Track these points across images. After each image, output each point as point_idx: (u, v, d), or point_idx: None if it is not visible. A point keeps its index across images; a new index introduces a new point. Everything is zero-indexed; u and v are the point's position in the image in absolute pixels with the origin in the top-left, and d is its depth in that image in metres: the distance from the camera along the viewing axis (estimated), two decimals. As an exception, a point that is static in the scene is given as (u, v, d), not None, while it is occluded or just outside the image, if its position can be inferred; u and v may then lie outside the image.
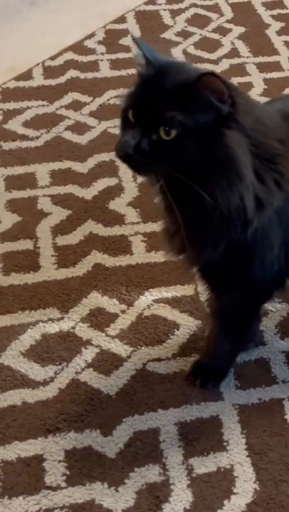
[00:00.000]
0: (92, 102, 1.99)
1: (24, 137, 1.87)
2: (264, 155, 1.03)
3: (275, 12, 2.38)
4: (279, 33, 2.28)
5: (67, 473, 1.19)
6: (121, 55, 2.17)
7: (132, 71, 2.10)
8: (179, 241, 1.12)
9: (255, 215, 1.04)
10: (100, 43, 2.23)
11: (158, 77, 1.01)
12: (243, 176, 1.00)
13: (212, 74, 0.96)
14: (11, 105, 1.97)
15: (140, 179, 1.74)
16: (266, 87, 2.04)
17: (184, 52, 2.18)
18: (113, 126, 1.89)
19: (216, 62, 2.15)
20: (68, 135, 1.88)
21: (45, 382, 1.31)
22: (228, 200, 1.01)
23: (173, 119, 0.97)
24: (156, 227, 1.62)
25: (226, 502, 1.15)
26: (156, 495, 1.16)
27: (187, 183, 1.00)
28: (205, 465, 1.20)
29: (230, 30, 2.30)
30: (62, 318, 1.43)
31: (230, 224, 1.04)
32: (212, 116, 0.98)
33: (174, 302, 1.46)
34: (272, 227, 1.09)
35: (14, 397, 1.29)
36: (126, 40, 2.23)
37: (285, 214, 1.09)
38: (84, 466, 1.20)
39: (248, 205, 1.02)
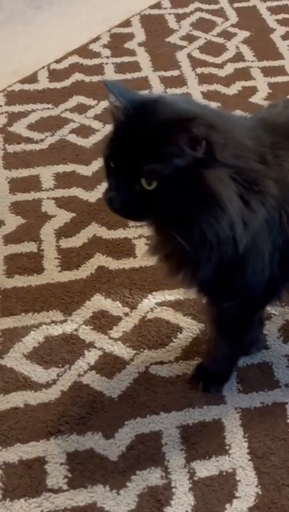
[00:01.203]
0: (96, 105, 1.99)
1: (29, 140, 1.87)
2: (247, 179, 1.05)
3: (280, 17, 2.38)
4: (284, 37, 2.29)
5: (69, 475, 1.19)
6: (126, 59, 2.18)
7: (137, 75, 2.11)
8: (172, 264, 1.14)
9: (244, 235, 1.06)
10: (105, 46, 2.24)
11: (132, 123, 1.01)
12: (227, 209, 1.02)
13: (181, 122, 0.97)
14: (16, 108, 1.98)
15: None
16: (271, 91, 2.04)
17: (189, 56, 2.18)
18: (117, 129, 1.90)
19: (220, 66, 2.15)
20: (73, 138, 1.88)
21: (47, 385, 1.32)
22: (217, 233, 1.03)
23: (152, 172, 0.99)
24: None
25: (227, 506, 1.15)
26: (157, 498, 1.16)
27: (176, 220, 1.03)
28: (207, 468, 1.20)
29: (235, 34, 2.30)
30: (65, 321, 1.43)
31: (220, 248, 1.06)
32: (189, 160, 0.99)
33: (177, 305, 1.46)
34: (262, 236, 1.09)
35: (17, 399, 1.29)
36: (131, 44, 2.23)
37: (274, 221, 1.09)
38: (86, 468, 1.20)
39: (237, 232, 1.04)
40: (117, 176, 1.03)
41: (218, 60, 2.18)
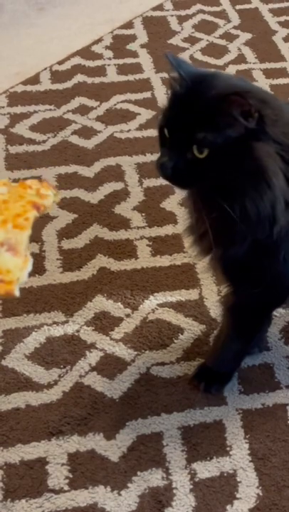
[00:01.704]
0: (99, 106, 2.00)
1: (31, 141, 1.87)
2: None
3: (282, 19, 2.38)
4: (286, 39, 2.29)
5: (70, 476, 1.19)
6: (128, 60, 2.18)
7: (139, 76, 2.11)
8: (206, 241, 1.15)
9: (283, 216, 1.07)
10: (107, 48, 2.24)
11: (189, 94, 1.05)
12: (273, 186, 1.04)
13: (237, 93, 1.00)
14: (19, 109, 1.98)
15: (146, 184, 1.74)
16: (272, 93, 2.04)
17: (191, 57, 2.19)
18: (119, 130, 1.90)
19: (222, 68, 2.15)
20: (75, 139, 1.88)
21: (49, 385, 1.32)
22: (258, 210, 1.05)
23: (204, 140, 1.02)
24: (161, 231, 1.63)
25: (228, 507, 1.15)
26: (158, 499, 1.16)
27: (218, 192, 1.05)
28: (208, 470, 1.20)
29: (237, 36, 2.31)
30: (66, 322, 1.43)
31: (258, 225, 1.07)
32: (241, 132, 1.01)
33: (178, 306, 1.46)
34: None
35: (18, 399, 1.29)
36: (133, 46, 2.24)
37: None
38: (87, 469, 1.20)
39: (277, 211, 1.06)
40: (171, 143, 1.05)
41: (220, 62, 2.18)
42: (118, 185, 1.75)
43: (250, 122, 1.01)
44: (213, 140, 1.02)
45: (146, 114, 1.96)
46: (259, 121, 1.02)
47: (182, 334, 1.41)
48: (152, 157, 1.78)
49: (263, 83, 2.08)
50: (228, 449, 1.23)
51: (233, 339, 1.30)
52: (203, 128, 1.02)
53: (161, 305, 1.46)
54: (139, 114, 1.96)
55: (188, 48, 2.23)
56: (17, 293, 0.87)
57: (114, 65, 2.17)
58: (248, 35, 2.31)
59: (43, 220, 1.65)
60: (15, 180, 1.75)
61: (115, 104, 2.00)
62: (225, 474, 1.20)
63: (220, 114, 1.01)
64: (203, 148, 1.02)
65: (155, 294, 1.48)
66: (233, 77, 1.12)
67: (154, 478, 1.19)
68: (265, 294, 1.19)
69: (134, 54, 2.20)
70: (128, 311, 1.45)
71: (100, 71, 2.14)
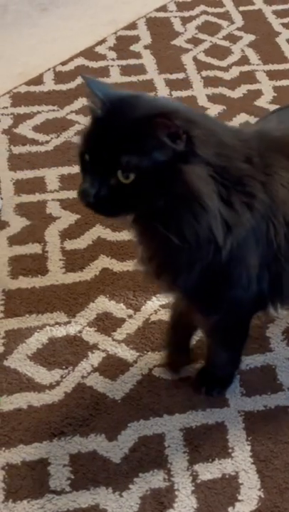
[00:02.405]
0: (102, 107, 1.99)
1: (34, 141, 1.87)
2: (230, 179, 1.01)
3: (286, 20, 2.38)
4: (289, 41, 2.29)
5: (72, 477, 1.19)
6: (131, 61, 2.18)
7: (142, 77, 2.11)
8: (154, 267, 1.10)
9: (227, 239, 1.03)
10: (110, 49, 2.24)
11: (110, 117, 0.99)
12: (207, 207, 0.99)
13: (162, 114, 0.95)
14: (22, 109, 1.98)
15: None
16: (276, 94, 2.04)
17: (194, 59, 2.19)
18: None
19: (226, 69, 2.15)
20: (78, 140, 1.87)
21: (51, 386, 1.32)
22: (196, 233, 1.00)
23: (128, 164, 0.95)
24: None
25: (230, 509, 1.15)
26: (160, 501, 1.16)
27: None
28: (210, 471, 1.20)
29: (241, 37, 2.30)
30: (69, 322, 1.43)
31: (202, 250, 1.03)
32: (169, 154, 0.96)
33: (180, 308, 1.46)
34: (248, 247, 1.06)
35: (20, 400, 1.29)
36: (137, 47, 2.24)
37: (261, 233, 1.06)
38: (88, 470, 1.20)
39: (216, 233, 1.01)
40: (92, 169, 0.99)
41: (223, 63, 2.18)
42: (121, 186, 1.75)
43: (178, 145, 0.96)
44: (138, 164, 0.95)
45: (149, 115, 1.96)
46: (188, 142, 0.96)
47: (184, 335, 1.41)
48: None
49: (266, 85, 2.08)
50: (230, 450, 1.23)
51: (221, 352, 1.29)
52: (128, 151, 0.95)
53: (163, 306, 1.46)
54: (142, 115, 1.96)
55: (191, 49, 2.23)
56: None
57: (118, 65, 2.17)
58: (252, 37, 2.30)
59: (46, 220, 1.65)
60: (18, 181, 1.76)
61: (118, 105, 2.00)
62: (227, 476, 1.19)
63: (145, 137, 0.95)
64: (128, 173, 0.96)
65: (158, 295, 1.48)
66: (157, 98, 1.06)
67: (155, 479, 1.19)
68: (229, 316, 1.16)
69: (137, 55, 2.20)
70: (130, 312, 1.45)
71: (104, 72, 2.14)
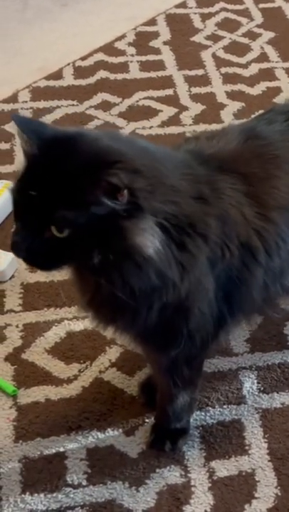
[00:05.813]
0: (121, 102, 1.99)
1: (53, 136, 1.87)
2: (180, 223, 0.94)
3: (306, 18, 2.37)
4: (309, 38, 2.28)
5: (89, 471, 1.19)
6: (151, 57, 2.18)
7: (162, 73, 2.11)
8: (106, 312, 1.02)
9: (184, 279, 0.96)
10: (130, 44, 2.24)
11: (45, 163, 0.89)
12: (151, 260, 0.91)
13: (100, 168, 0.85)
14: (41, 104, 1.99)
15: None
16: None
17: (214, 55, 2.18)
18: (141, 127, 1.90)
19: (245, 66, 2.14)
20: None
21: (68, 380, 1.32)
22: (144, 283, 0.93)
23: (63, 219, 0.87)
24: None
25: (246, 506, 1.15)
26: (176, 496, 1.16)
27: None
28: (226, 468, 1.20)
29: (260, 34, 2.30)
30: (87, 317, 1.43)
31: (158, 292, 0.96)
32: (109, 210, 0.87)
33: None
34: (204, 274, 1.00)
35: (38, 393, 1.30)
36: (156, 43, 2.23)
37: (216, 258, 1.00)
38: (105, 465, 1.20)
39: (171, 276, 0.94)
40: (24, 220, 0.90)
41: (242, 60, 2.17)
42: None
43: (119, 202, 0.86)
44: (74, 220, 0.86)
45: (168, 111, 1.95)
46: (132, 195, 0.87)
47: (202, 332, 1.41)
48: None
49: (285, 82, 2.07)
50: (246, 448, 1.23)
51: (179, 395, 1.18)
52: (63, 205, 0.86)
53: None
54: (161, 111, 1.96)
55: (210, 46, 2.23)
56: None
57: (137, 61, 2.16)
58: (271, 34, 2.29)
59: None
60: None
61: (137, 101, 2.00)
62: (243, 473, 1.19)
63: (82, 192, 0.86)
64: (63, 228, 0.87)
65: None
66: (102, 135, 0.93)
67: (172, 475, 1.19)
68: (191, 347, 1.07)
69: (156, 51, 2.20)
70: (148, 307, 1.45)
71: (123, 67, 2.14)
